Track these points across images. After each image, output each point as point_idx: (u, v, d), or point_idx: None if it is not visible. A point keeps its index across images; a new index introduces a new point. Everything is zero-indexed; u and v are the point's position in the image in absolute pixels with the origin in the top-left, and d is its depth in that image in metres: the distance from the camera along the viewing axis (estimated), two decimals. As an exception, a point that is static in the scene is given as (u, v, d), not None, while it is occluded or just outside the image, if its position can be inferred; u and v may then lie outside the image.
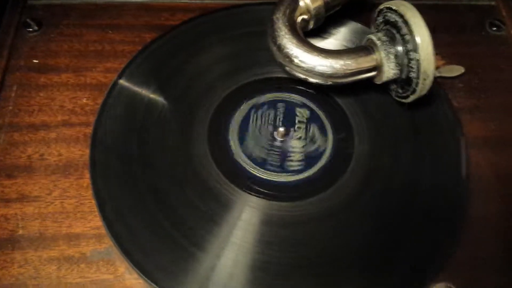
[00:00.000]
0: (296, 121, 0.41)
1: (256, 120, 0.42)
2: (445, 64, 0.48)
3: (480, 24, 0.51)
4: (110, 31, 0.48)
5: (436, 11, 0.52)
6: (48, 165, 0.40)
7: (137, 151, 0.40)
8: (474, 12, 0.52)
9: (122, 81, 0.44)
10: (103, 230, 0.36)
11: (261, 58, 0.44)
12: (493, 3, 0.53)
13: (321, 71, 0.37)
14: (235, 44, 0.47)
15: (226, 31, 0.47)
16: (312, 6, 0.41)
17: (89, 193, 0.38)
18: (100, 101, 0.43)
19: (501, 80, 0.47)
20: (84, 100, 0.44)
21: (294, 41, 0.38)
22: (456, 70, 0.46)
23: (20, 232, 0.36)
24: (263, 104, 0.43)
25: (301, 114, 0.42)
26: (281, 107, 0.42)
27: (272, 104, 0.43)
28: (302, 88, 0.43)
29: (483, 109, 0.45)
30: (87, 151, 0.40)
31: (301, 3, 0.41)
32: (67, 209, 0.38)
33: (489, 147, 0.43)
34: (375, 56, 0.38)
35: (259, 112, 0.42)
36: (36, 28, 0.48)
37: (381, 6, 0.39)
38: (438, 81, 0.45)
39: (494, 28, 0.51)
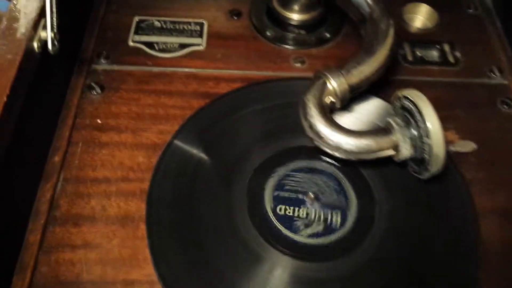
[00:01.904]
0: (325, 188, 0.47)
1: (289, 184, 0.48)
2: (459, 139, 0.53)
3: (492, 102, 0.57)
4: (163, 96, 0.55)
5: (452, 88, 0.58)
6: (108, 216, 0.46)
7: (187, 206, 0.46)
8: (487, 90, 0.58)
9: (176, 142, 0.50)
10: (155, 278, 0.42)
11: (295, 127, 0.51)
12: (505, 82, 0.59)
13: (346, 149, 0.43)
14: (272, 114, 0.53)
15: (264, 101, 0.54)
16: (338, 90, 0.47)
17: (144, 243, 0.44)
18: (154, 159, 0.50)
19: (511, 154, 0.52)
20: (140, 159, 0.50)
21: (323, 121, 0.44)
22: (469, 146, 0.52)
23: (84, 275, 0.42)
24: (296, 170, 0.49)
25: (329, 182, 0.48)
26: (312, 174, 0.48)
27: (304, 171, 0.49)
28: (330, 160, 0.49)
29: (493, 182, 0.50)
30: (143, 205, 0.46)
31: (329, 87, 0.47)
32: (124, 256, 0.44)
33: (499, 217, 0.48)
34: (393, 137, 0.44)
35: (292, 178, 0.48)
36: (99, 91, 0.55)
37: (398, 93, 0.46)
38: (452, 154, 0.51)
39: (506, 106, 0.56)
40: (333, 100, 0.48)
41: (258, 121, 0.53)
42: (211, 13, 0.64)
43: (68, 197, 0.47)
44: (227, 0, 0.65)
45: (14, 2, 0.46)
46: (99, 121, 0.53)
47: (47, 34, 0.45)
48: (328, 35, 0.62)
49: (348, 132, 0.44)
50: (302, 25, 0.61)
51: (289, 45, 0.61)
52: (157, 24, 0.62)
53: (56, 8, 0.46)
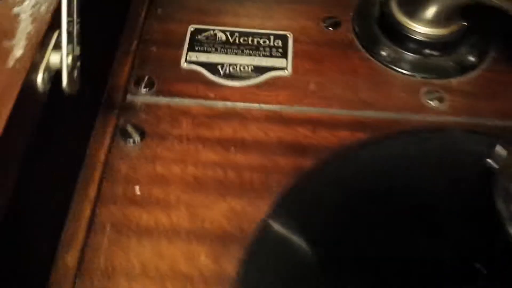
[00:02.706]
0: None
1: None
2: None
3: None
4: (233, 149, 0.36)
5: None
6: None
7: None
8: None
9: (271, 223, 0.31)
10: None
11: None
12: None
13: None
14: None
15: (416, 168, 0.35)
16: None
17: None
18: (224, 261, 0.31)
19: None
20: (203, 259, 0.31)
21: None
22: None
23: None
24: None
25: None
26: None
27: None
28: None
29: None
30: None
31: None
32: None
33: None
34: None
35: None
36: (138, 139, 0.36)
37: None
38: None
39: None
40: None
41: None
42: (298, 22, 0.44)
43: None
44: (320, 3, 0.46)
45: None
46: (137, 190, 0.34)
47: (62, 62, 0.26)
48: (472, 59, 0.42)
49: None
50: (435, 43, 0.42)
51: (416, 72, 0.41)
52: (221, 36, 0.43)
53: (78, 15, 0.27)
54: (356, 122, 0.38)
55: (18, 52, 0.25)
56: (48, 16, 0.26)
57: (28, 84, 0.25)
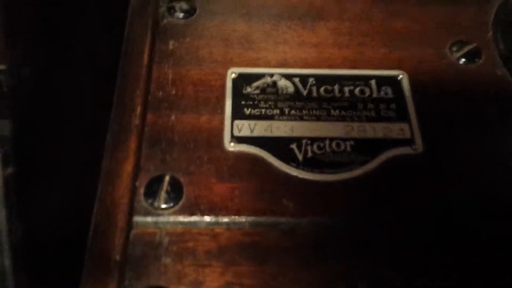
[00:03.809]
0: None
1: None
2: None
3: None
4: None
5: None
6: None
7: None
8: None
9: None
10: None
11: None
12: None
13: None
14: None
15: None
16: None
17: None
18: None
19: None
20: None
21: None
22: None
23: None
24: None
25: None
26: None
27: None
28: None
29: None
30: None
31: None
32: None
33: None
34: None
35: None
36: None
37: None
38: None
39: None
40: None
41: None
42: (412, 51, 0.26)
43: None
44: (443, 15, 0.27)
45: None
46: None
47: None
48: None
49: None
50: None
51: None
52: (286, 86, 0.25)
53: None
54: None
55: None
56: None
57: None
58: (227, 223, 0.21)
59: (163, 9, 0.28)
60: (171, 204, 0.21)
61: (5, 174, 0.17)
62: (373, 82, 0.25)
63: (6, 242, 0.17)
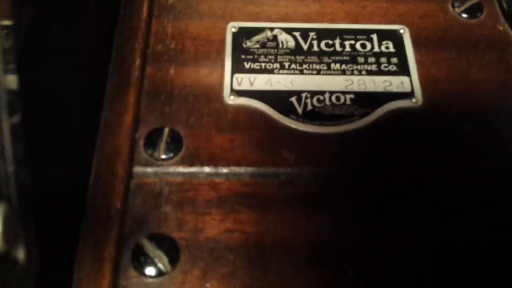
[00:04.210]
0: None
1: None
2: None
3: None
4: None
5: None
6: None
7: None
8: None
9: None
10: None
11: None
12: None
13: None
14: None
15: None
16: None
17: None
18: None
19: None
20: None
21: None
22: None
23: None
24: None
25: None
26: None
27: None
28: None
29: None
30: None
31: None
32: None
33: None
34: None
35: None
36: None
37: None
38: None
39: None
40: None
41: None
42: (414, 5, 0.26)
43: None
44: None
45: None
46: None
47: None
48: None
49: None
50: None
51: None
52: (286, 40, 0.24)
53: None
54: None
55: None
56: None
57: None
58: (226, 174, 0.21)
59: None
60: (171, 155, 0.21)
61: (12, 122, 0.17)
62: (374, 36, 0.25)
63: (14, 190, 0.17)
